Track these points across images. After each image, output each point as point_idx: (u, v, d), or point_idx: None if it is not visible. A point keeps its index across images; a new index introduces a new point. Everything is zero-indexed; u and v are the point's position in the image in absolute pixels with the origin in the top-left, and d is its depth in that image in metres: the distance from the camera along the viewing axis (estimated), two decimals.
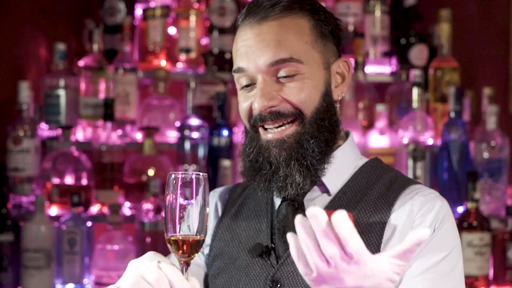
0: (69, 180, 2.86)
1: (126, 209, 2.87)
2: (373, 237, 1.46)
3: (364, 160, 1.60)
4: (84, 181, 2.87)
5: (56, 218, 2.82)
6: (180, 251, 1.29)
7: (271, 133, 1.50)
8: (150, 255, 1.30)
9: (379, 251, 1.44)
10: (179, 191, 1.28)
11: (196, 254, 1.31)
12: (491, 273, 2.77)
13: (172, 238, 1.28)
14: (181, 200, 1.28)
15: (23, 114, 2.84)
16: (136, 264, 1.29)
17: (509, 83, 3.17)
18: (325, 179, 1.53)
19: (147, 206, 2.77)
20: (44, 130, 2.94)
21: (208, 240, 1.61)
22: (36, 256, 2.72)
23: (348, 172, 1.56)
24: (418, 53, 3.05)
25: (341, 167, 1.55)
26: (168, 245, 1.30)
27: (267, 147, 1.50)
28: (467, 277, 2.51)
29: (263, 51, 1.48)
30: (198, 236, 1.29)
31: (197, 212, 1.29)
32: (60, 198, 2.85)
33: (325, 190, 1.54)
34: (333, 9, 3.09)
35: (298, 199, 1.53)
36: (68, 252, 2.76)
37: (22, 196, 2.83)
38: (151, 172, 2.88)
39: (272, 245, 1.52)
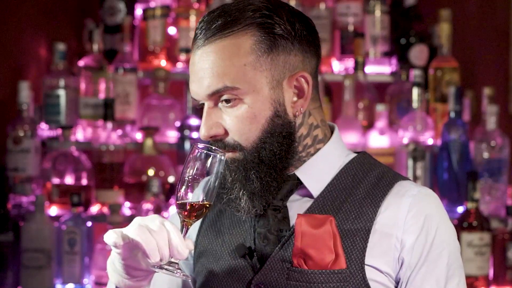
0: (69, 180, 2.86)
1: (126, 209, 2.87)
2: (358, 241, 1.44)
3: (351, 156, 1.55)
4: (84, 181, 2.87)
5: (56, 218, 2.82)
6: (186, 213, 1.38)
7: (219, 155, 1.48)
8: (154, 215, 1.36)
9: (364, 255, 1.43)
10: (196, 163, 1.38)
11: (199, 219, 1.40)
12: (491, 273, 2.77)
13: (181, 202, 1.38)
14: (194, 172, 1.38)
15: (23, 114, 2.84)
16: (140, 218, 1.35)
17: (509, 83, 3.17)
18: (306, 182, 1.50)
19: (147, 206, 2.77)
20: (44, 130, 2.94)
21: (193, 235, 1.61)
22: (36, 256, 2.73)
23: (333, 172, 1.52)
24: (418, 53, 3.05)
25: (324, 168, 1.51)
26: (177, 209, 1.39)
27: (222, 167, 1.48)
28: (467, 277, 2.51)
29: (201, 81, 1.44)
30: (206, 202, 1.40)
31: (206, 182, 1.39)
32: (60, 198, 2.85)
33: (308, 192, 1.51)
34: (333, 9, 3.10)
35: (279, 203, 1.50)
36: (68, 252, 2.76)
37: (22, 196, 2.83)
38: (151, 172, 2.88)
39: (255, 246, 1.50)
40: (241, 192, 1.47)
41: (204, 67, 1.44)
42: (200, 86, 1.45)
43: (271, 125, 1.46)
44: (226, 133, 1.46)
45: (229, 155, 1.46)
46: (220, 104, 1.46)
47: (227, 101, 1.45)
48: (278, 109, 1.47)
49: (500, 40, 3.21)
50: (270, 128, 1.46)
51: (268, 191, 1.47)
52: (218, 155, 1.38)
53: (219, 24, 1.44)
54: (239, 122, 1.45)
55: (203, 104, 1.49)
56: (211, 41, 1.44)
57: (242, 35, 1.44)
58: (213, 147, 1.39)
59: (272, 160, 1.47)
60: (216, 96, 1.45)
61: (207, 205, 1.40)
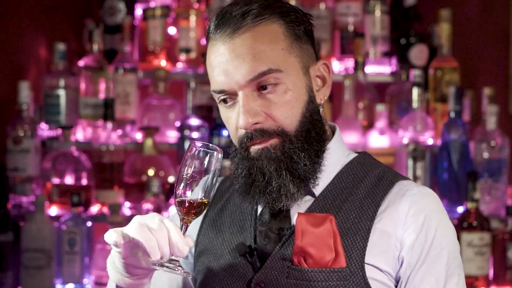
0: (69, 180, 2.86)
1: (126, 209, 2.87)
2: (358, 240, 1.45)
3: (352, 156, 1.57)
4: (84, 181, 2.87)
5: (56, 218, 2.82)
6: (185, 210, 1.39)
7: (258, 144, 1.47)
8: (153, 214, 1.37)
9: (364, 254, 1.44)
10: (193, 161, 1.39)
11: (197, 216, 1.41)
12: (491, 273, 2.77)
13: (180, 200, 1.39)
14: (192, 170, 1.39)
15: (23, 114, 2.84)
16: (140, 217, 1.36)
17: (509, 83, 3.17)
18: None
19: (147, 206, 2.77)
20: (44, 130, 2.94)
21: (194, 234, 1.61)
22: (36, 256, 2.72)
23: (334, 171, 1.53)
24: (418, 53, 3.05)
25: (326, 167, 1.52)
26: (176, 207, 1.40)
27: (258, 157, 1.47)
28: (467, 277, 2.51)
29: (240, 67, 1.44)
30: (204, 199, 1.41)
31: (205, 180, 1.40)
32: (60, 198, 2.85)
33: (310, 191, 1.52)
34: (333, 9, 3.10)
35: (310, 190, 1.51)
36: (68, 252, 2.76)
37: (22, 196, 2.83)
38: (151, 172, 2.88)
39: (255, 245, 1.51)
40: (288, 179, 1.46)
41: (242, 53, 1.44)
42: (237, 74, 1.44)
43: (308, 110, 1.48)
44: (268, 119, 1.46)
45: (271, 142, 1.46)
46: (258, 91, 1.46)
47: (265, 87, 1.45)
48: (310, 95, 1.50)
49: (500, 40, 3.21)
50: (308, 112, 1.48)
51: (314, 174, 1.48)
52: (215, 153, 1.39)
53: (246, 14, 1.45)
54: (282, 106, 1.46)
55: (223, 100, 1.48)
56: (245, 29, 1.44)
57: (272, 22, 1.46)
58: (211, 145, 1.39)
59: (318, 142, 1.49)
60: (256, 81, 1.45)
61: (206, 203, 1.41)
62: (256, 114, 1.45)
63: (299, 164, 1.46)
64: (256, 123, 1.45)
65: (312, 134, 1.48)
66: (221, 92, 1.48)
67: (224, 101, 1.49)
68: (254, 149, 1.47)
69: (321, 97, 1.52)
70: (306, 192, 1.51)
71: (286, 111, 1.46)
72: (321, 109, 1.52)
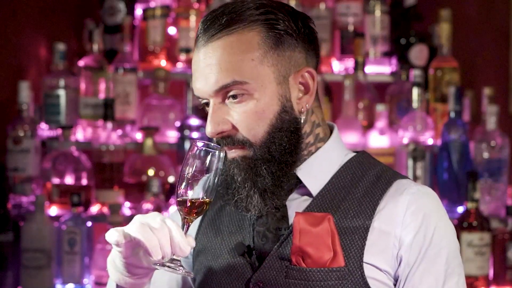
0: (69, 180, 2.86)
1: (126, 209, 2.87)
2: (357, 239, 1.44)
3: (350, 155, 1.56)
4: (84, 181, 2.87)
5: (56, 218, 2.82)
6: (187, 210, 1.39)
7: (229, 153, 1.48)
8: (155, 213, 1.36)
9: (363, 253, 1.44)
10: (195, 160, 1.39)
11: (199, 216, 1.41)
12: (491, 273, 2.77)
13: (182, 199, 1.39)
14: (194, 169, 1.39)
15: (23, 114, 2.84)
16: (141, 216, 1.36)
17: (509, 83, 3.17)
18: (306, 180, 1.51)
19: (147, 206, 2.77)
20: (44, 130, 2.95)
21: (193, 234, 1.61)
22: (36, 256, 2.73)
23: (332, 171, 1.52)
24: (418, 53, 3.05)
25: (324, 167, 1.52)
26: (177, 206, 1.40)
27: (230, 164, 1.48)
28: (467, 277, 2.51)
29: (208, 77, 1.44)
30: (206, 199, 1.41)
31: (205, 179, 1.40)
32: (60, 198, 2.85)
33: (308, 191, 1.51)
34: (333, 9, 3.10)
35: (279, 202, 1.50)
36: (68, 252, 2.76)
37: (22, 196, 2.83)
38: (151, 172, 2.88)
39: (254, 244, 1.51)
40: (252, 190, 1.46)
41: (211, 63, 1.44)
42: (206, 83, 1.45)
43: (279, 121, 1.47)
44: (234, 129, 1.46)
45: (239, 153, 1.46)
46: (227, 101, 1.46)
47: (234, 96, 1.45)
48: (285, 105, 1.47)
49: (500, 40, 3.21)
50: (278, 123, 1.47)
51: (279, 187, 1.48)
52: (217, 152, 1.39)
53: (225, 20, 1.44)
54: (248, 118, 1.45)
55: (205, 103, 1.49)
56: (217, 37, 1.44)
57: (248, 31, 1.45)
58: (212, 144, 1.39)
59: (282, 155, 1.47)
60: (223, 92, 1.45)
61: (207, 202, 1.40)
62: (221, 123, 1.45)
63: (260, 177, 1.46)
64: (222, 132, 1.46)
65: (277, 147, 1.47)
66: (198, 97, 1.49)
67: (207, 104, 1.50)
68: (229, 154, 1.48)
69: (303, 105, 1.49)
70: (304, 190, 1.52)
71: (252, 122, 1.45)
72: (303, 117, 1.50)
